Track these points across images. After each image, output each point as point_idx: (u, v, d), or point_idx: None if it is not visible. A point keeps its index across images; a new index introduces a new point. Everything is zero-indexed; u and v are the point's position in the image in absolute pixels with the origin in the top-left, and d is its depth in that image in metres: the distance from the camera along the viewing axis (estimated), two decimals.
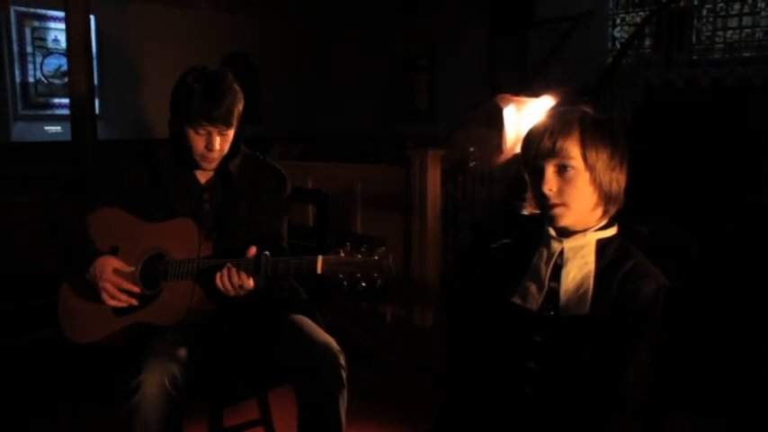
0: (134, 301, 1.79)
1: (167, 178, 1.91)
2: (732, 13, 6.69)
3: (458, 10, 8.59)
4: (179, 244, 1.81)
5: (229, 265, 1.69)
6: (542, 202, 1.29)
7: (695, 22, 6.82)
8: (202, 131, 1.80)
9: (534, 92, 7.06)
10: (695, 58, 6.33)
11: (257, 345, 1.90)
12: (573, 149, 1.26)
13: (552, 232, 1.33)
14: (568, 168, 1.26)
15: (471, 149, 3.83)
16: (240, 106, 1.86)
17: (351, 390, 1.84)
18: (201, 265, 1.76)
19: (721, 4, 6.56)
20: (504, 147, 3.35)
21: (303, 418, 1.82)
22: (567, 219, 1.29)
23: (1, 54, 7.05)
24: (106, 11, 7.67)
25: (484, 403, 1.32)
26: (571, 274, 1.29)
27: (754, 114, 5.64)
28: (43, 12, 7.54)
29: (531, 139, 1.30)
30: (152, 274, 1.83)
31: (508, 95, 3.30)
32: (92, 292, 1.82)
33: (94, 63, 8.05)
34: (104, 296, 1.78)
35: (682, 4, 6.71)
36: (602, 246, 1.31)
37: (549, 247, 1.33)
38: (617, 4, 8.37)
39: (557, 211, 1.28)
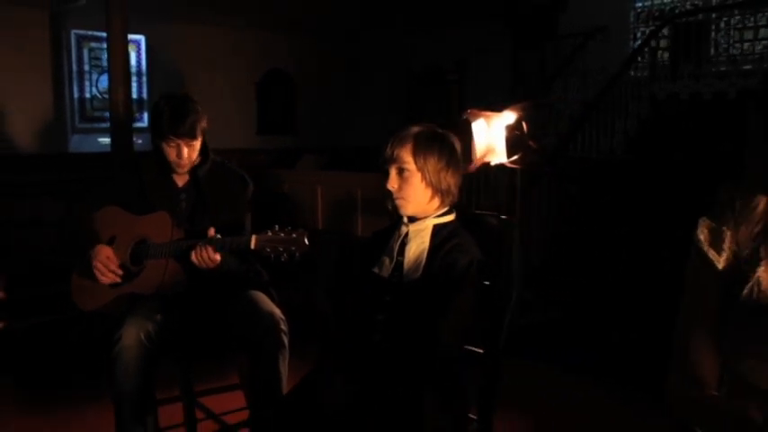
0: (118, 279, 2.31)
1: (149, 182, 2.43)
2: (748, 25, 6.86)
3: (485, 26, 8.97)
4: (157, 231, 2.33)
5: (202, 243, 2.18)
6: (389, 197, 1.75)
7: (713, 35, 7.03)
8: (173, 144, 2.32)
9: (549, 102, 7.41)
10: (702, 70, 6.52)
11: (220, 312, 2.39)
12: (406, 156, 1.71)
13: (405, 219, 1.78)
14: (404, 171, 1.72)
15: None
16: (203, 122, 2.36)
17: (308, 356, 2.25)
18: (172, 247, 2.27)
19: (726, 19, 6.74)
20: (473, 157, 3.76)
21: (250, 371, 2.31)
22: (407, 209, 1.74)
23: (62, 73, 7.82)
24: (154, 31, 8.38)
25: (347, 349, 1.78)
26: (411, 250, 1.74)
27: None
28: (100, 34, 8.30)
29: (383, 149, 1.76)
30: (138, 255, 2.36)
31: (475, 110, 3.71)
32: (93, 273, 2.35)
33: (144, 79, 8.85)
34: (97, 274, 2.31)
35: (700, 17, 6.93)
36: (437, 229, 1.75)
37: (400, 229, 1.79)
38: (637, 18, 8.61)
39: (398, 203, 1.74)
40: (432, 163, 1.71)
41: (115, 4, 5.20)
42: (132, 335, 2.17)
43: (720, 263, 1.15)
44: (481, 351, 1.78)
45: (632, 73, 6.91)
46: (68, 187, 5.03)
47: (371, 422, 1.54)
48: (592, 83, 7.34)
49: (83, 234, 2.40)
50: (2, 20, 6.89)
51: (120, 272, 2.32)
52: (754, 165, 1.10)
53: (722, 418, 1.05)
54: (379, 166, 1.78)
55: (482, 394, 1.76)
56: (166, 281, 2.29)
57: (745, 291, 1.09)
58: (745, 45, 6.65)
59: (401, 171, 1.73)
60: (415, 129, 1.77)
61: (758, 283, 1.09)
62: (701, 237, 1.17)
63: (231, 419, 2.73)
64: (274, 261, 2.06)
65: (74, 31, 8.07)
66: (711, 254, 1.16)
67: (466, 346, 1.78)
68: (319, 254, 3.75)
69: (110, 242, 2.40)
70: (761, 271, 1.09)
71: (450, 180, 1.75)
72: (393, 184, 1.74)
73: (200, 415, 2.82)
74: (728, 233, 1.14)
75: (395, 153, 1.73)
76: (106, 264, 2.30)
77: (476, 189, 5.89)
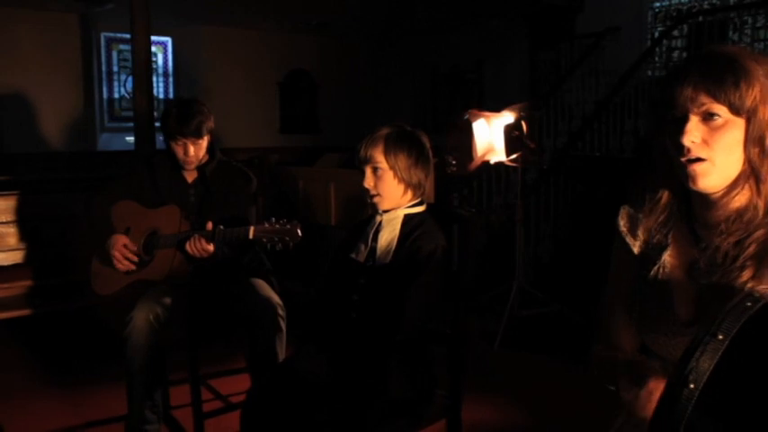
0: (133, 267, 2.53)
1: (162, 179, 2.65)
2: (766, 24, 6.86)
3: (504, 27, 9.08)
4: (167, 223, 2.54)
5: (195, 234, 2.38)
6: (367, 194, 1.93)
7: (730, 34, 7.05)
8: (180, 143, 2.53)
9: (562, 102, 7.50)
10: None
11: (223, 297, 2.59)
12: (378, 156, 1.89)
13: (379, 210, 1.96)
14: (378, 169, 1.89)
15: (450, 157, 4.36)
16: (209, 123, 2.56)
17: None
18: (179, 238, 2.47)
19: (744, 18, 6.76)
20: (474, 155, 3.92)
21: (250, 351, 2.51)
22: (384, 204, 1.92)
23: (92, 74, 8.13)
24: (180, 33, 8.66)
25: (327, 326, 1.96)
26: (384, 237, 1.92)
27: None
28: (128, 36, 8.61)
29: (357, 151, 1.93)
30: (149, 245, 2.57)
31: (475, 111, 3.87)
32: (109, 261, 2.57)
33: (171, 80, 9.13)
34: (114, 261, 2.53)
35: (716, 16, 6.97)
36: (407, 219, 1.93)
37: (374, 218, 1.97)
38: (655, 18, 8.65)
39: (375, 200, 1.92)
40: (402, 160, 1.89)
41: (139, 6, 5.44)
42: (143, 316, 2.38)
43: (636, 247, 1.30)
44: (449, 332, 1.95)
45: (650, 73, 6.97)
46: (95, 184, 5.25)
47: (345, 391, 1.72)
48: (605, 83, 7.42)
49: (101, 226, 2.62)
50: (34, 22, 7.19)
51: (136, 258, 2.53)
52: (658, 162, 1.24)
53: (623, 372, 1.20)
54: (357, 166, 1.96)
55: (450, 372, 1.93)
56: (174, 268, 2.49)
57: (652, 272, 1.25)
58: (763, 45, 6.68)
59: (375, 170, 1.90)
60: (386, 130, 1.94)
61: (663, 266, 1.24)
62: (621, 223, 1.33)
63: (237, 400, 2.92)
64: (271, 250, 2.25)
65: (103, 34, 8.39)
66: (629, 239, 1.31)
67: (437, 328, 1.94)
68: (327, 248, 3.95)
69: (125, 233, 2.62)
70: (666, 255, 1.25)
71: (420, 175, 1.92)
72: (369, 182, 1.91)
73: (208, 396, 3.04)
74: (643, 220, 1.30)
75: (368, 153, 1.90)
76: (123, 252, 2.52)
77: (487, 189, 6.05)
